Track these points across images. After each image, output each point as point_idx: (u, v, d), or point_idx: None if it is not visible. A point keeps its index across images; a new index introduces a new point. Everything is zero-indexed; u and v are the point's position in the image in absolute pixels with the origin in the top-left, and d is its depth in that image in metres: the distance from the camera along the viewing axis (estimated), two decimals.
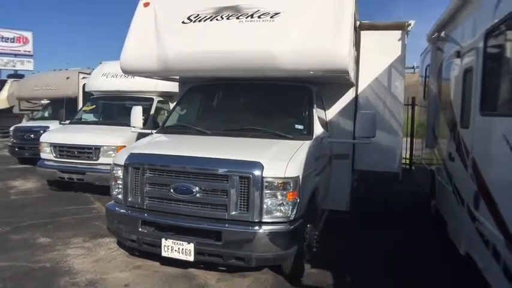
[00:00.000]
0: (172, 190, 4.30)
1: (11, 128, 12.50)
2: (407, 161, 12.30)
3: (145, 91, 9.48)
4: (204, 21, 5.09)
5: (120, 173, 4.66)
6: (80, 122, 9.88)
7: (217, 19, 5.04)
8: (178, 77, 6.46)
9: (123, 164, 4.61)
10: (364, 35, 6.52)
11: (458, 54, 5.54)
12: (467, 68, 5.08)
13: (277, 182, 4.06)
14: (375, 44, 6.48)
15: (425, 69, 8.82)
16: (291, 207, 4.11)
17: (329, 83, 6.02)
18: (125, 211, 4.61)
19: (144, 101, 9.46)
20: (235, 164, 4.15)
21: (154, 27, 5.38)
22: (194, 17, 5.16)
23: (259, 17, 4.88)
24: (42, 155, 8.72)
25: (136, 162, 4.54)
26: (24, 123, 13.75)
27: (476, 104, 4.51)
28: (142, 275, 4.82)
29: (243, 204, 4.11)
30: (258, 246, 4.03)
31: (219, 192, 4.18)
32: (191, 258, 4.18)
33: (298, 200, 4.17)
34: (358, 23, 6.39)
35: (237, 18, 4.96)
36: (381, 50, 6.48)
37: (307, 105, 5.36)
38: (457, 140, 5.43)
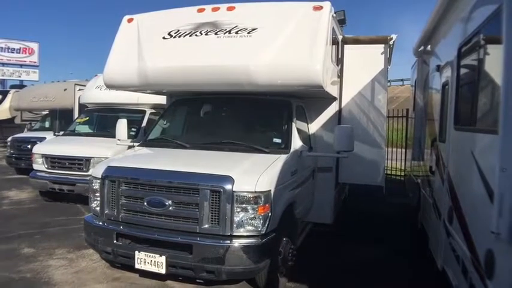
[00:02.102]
0: (145, 203, 4.36)
1: (9, 139, 12.65)
2: (402, 173, 12.30)
3: (138, 103, 9.57)
4: (184, 36, 5.18)
5: (97, 185, 4.73)
6: (73, 133, 10.02)
7: (196, 35, 5.13)
8: (165, 91, 6.56)
9: (100, 176, 4.68)
10: (348, 49, 6.57)
11: (438, 68, 5.59)
12: (445, 82, 5.14)
13: (248, 196, 4.10)
14: (358, 58, 6.53)
15: (415, 82, 8.87)
16: (262, 221, 4.15)
17: (312, 97, 6.08)
18: (101, 223, 4.67)
19: (136, 113, 9.62)
20: (206, 177, 4.20)
21: (136, 42, 5.48)
22: (174, 33, 5.26)
23: (236, 32, 4.97)
24: (35, 166, 8.87)
25: (113, 175, 4.60)
26: (22, 133, 13.88)
27: (451, 119, 4.55)
28: (120, 286, 4.87)
29: (214, 218, 4.15)
30: (229, 260, 4.05)
31: (191, 206, 4.22)
32: (163, 270, 4.22)
33: (269, 214, 4.20)
34: (341, 37, 6.46)
35: (216, 34, 5.05)
36: (364, 64, 6.53)
37: (286, 120, 5.41)
38: (436, 154, 5.46)
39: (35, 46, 36.63)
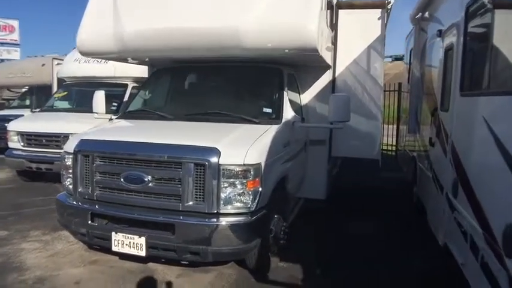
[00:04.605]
0: (122, 179, 3.94)
1: None
2: (394, 148, 12.06)
3: (118, 76, 9.04)
4: None
5: (70, 161, 4.29)
6: (52, 109, 9.48)
7: None
8: (147, 60, 6.06)
9: (72, 151, 4.24)
10: (342, 14, 6.12)
11: (440, 34, 5.20)
12: (448, 46, 4.77)
13: (236, 170, 3.71)
14: (353, 23, 6.07)
15: (410, 53, 8.48)
16: (251, 197, 3.77)
17: (304, 65, 5.67)
18: (74, 202, 4.24)
19: (118, 87, 9.10)
20: (190, 150, 3.78)
21: (112, 4, 4.95)
22: None
23: None
24: (10, 144, 8.37)
25: (86, 149, 4.16)
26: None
27: (456, 85, 4.19)
28: (97, 270, 4.50)
29: (199, 194, 3.75)
30: (215, 240, 3.68)
31: (173, 181, 3.81)
32: (143, 253, 3.83)
33: (260, 189, 3.82)
34: (335, 1, 6.00)
35: None
36: (360, 30, 6.08)
37: (277, 88, 4.99)
38: (437, 124, 5.12)
39: (15, 23, 35.19)
